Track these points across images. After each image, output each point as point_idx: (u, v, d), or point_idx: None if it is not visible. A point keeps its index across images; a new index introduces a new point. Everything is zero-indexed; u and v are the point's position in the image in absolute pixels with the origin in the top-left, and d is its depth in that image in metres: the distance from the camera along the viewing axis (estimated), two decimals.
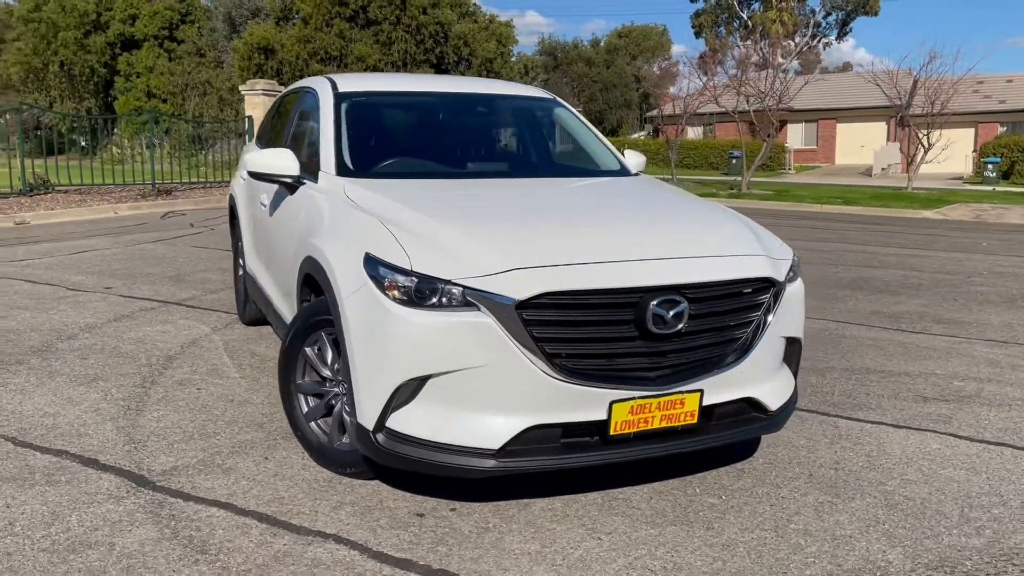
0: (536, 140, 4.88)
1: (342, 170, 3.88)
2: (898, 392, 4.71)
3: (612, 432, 2.90)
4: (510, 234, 3.11)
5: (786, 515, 3.16)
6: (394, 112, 4.70)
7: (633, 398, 2.89)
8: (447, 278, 2.82)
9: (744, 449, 3.77)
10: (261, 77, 25.82)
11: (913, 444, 3.91)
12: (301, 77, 26.34)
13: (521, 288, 2.77)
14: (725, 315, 3.08)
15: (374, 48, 25.27)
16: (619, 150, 4.68)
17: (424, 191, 3.76)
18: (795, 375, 3.56)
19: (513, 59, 28.51)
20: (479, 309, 2.78)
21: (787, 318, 3.32)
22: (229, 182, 17.25)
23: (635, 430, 2.93)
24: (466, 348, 2.79)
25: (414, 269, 2.86)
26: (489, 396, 2.83)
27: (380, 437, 2.93)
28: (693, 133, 39.35)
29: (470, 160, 4.58)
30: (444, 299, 2.81)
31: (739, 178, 21.45)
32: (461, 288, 2.80)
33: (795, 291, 3.40)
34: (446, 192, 3.82)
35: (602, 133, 4.97)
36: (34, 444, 3.70)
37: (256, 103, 20.07)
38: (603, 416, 2.88)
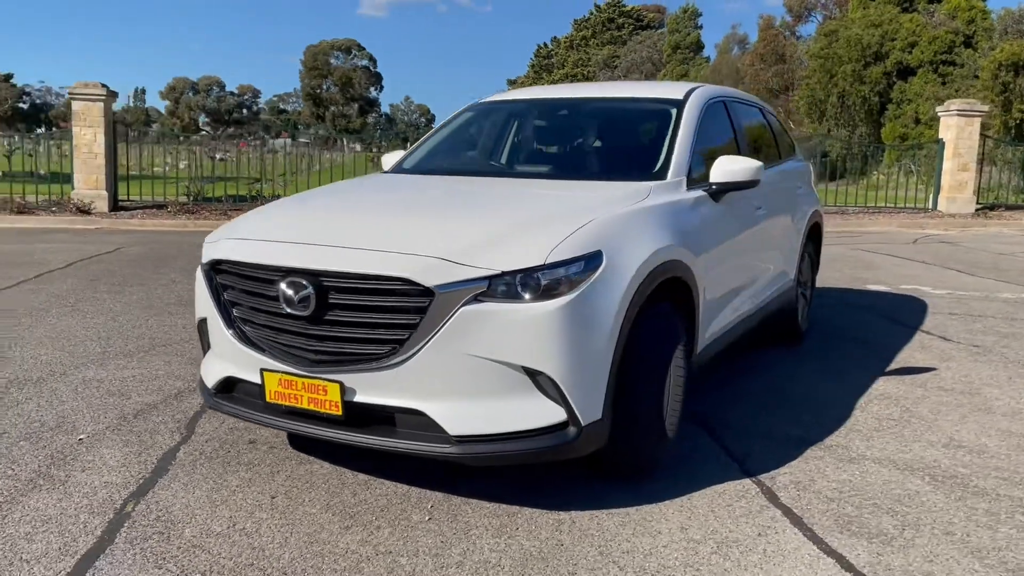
0: (619, 142, 4.36)
1: (394, 167, 4.46)
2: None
3: (267, 399, 3.03)
4: (284, 217, 3.51)
5: (409, 553, 2.60)
6: (495, 118, 4.81)
7: (280, 372, 2.97)
8: (208, 242, 3.40)
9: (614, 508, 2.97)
10: (1004, 96, 23.06)
11: None
12: None
13: (213, 254, 3.22)
14: (370, 311, 2.84)
15: None
16: None
17: (390, 185, 4.04)
18: (571, 411, 2.75)
19: None
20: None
21: (501, 339, 2.72)
22: (925, 208, 16.21)
23: (287, 403, 2.99)
24: (204, 300, 3.32)
25: (210, 236, 3.48)
26: (214, 344, 3.31)
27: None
28: None
29: (523, 162, 4.54)
30: None
31: None
32: None
33: (518, 311, 2.72)
34: (417, 185, 4.05)
35: None
36: None
37: (950, 124, 18.39)
38: (258, 380, 3.03)
